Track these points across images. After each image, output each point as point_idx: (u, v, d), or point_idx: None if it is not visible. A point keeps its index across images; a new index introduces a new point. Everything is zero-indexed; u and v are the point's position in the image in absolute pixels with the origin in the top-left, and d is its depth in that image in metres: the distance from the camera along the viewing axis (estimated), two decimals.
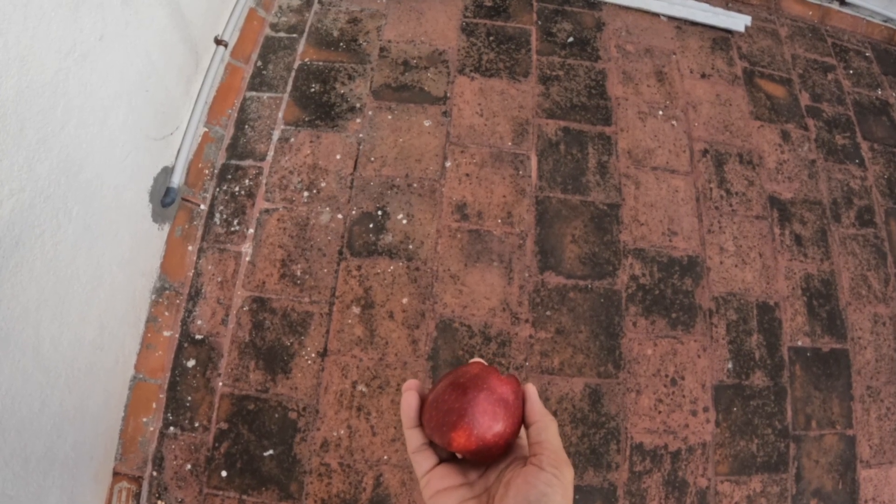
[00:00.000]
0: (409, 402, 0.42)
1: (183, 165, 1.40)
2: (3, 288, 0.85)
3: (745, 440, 1.35)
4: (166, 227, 1.39)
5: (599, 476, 1.27)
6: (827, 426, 1.39)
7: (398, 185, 1.51)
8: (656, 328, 1.41)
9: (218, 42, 1.55)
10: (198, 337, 1.34)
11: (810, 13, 2.06)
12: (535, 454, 0.38)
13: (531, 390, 0.42)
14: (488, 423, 0.39)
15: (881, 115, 1.86)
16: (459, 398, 0.40)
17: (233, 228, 1.45)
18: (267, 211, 1.47)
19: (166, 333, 1.34)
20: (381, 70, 1.68)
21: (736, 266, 1.51)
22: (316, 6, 1.80)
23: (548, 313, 1.40)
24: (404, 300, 1.38)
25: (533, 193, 1.53)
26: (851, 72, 1.94)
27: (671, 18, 1.92)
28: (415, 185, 1.51)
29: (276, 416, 1.27)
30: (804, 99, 1.83)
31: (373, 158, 1.54)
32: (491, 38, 1.77)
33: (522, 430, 0.42)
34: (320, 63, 1.68)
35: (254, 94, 1.63)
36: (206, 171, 1.50)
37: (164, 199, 1.34)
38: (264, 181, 1.50)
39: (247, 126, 1.58)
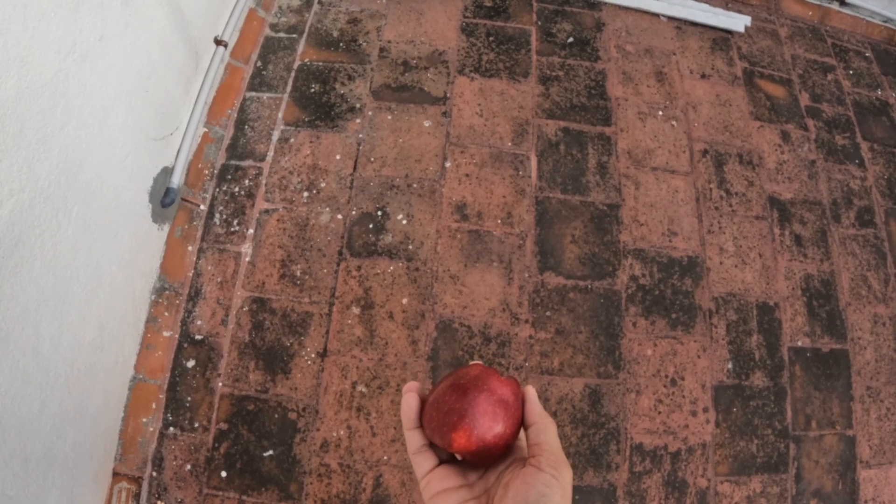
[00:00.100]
0: (409, 403, 0.42)
1: (183, 166, 1.40)
2: (3, 288, 0.85)
3: (745, 440, 1.35)
4: (166, 228, 1.39)
5: (599, 476, 1.27)
6: (827, 426, 1.40)
7: (398, 185, 1.51)
8: (656, 328, 1.41)
9: (218, 42, 1.55)
10: (197, 337, 1.34)
11: (810, 13, 2.06)
12: (534, 455, 0.39)
13: (531, 392, 0.42)
14: (488, 423, 0.39)
15: (881, 116, 1.86)
16: (460, 399, 0.40)
17: (232, 229, 1.45)
18: (267, 211, 1.47)
19: (166, 334, 1.34)
20: (380, 70, 1.68)
21: (736, 266, 1.51)
22: (316, 6, 1.80)
23: (548, 314, 1.40)
24: (404, 300, 1.38)
25: (533, 194, 1.53)
26: (851, 72, 1.94)
27: (671, 19, 1.92)
28: (415, 185, 1.51)
29: (276, 416, 1.27)
30: (804, 99, 1.83)
31: (373, 159, 1.54)
32: (491, 39, 1.77)
33: (522, 434, 0.43)
34: (320, 63, 1.68)
35: (253, 94, 1.63)
36: (206, 172, 1.50)
37: (164, 200, 1.34)
38: (264, 181, 1.50)
39: (246, 126, 1.58)
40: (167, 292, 1.37)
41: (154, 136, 1.30)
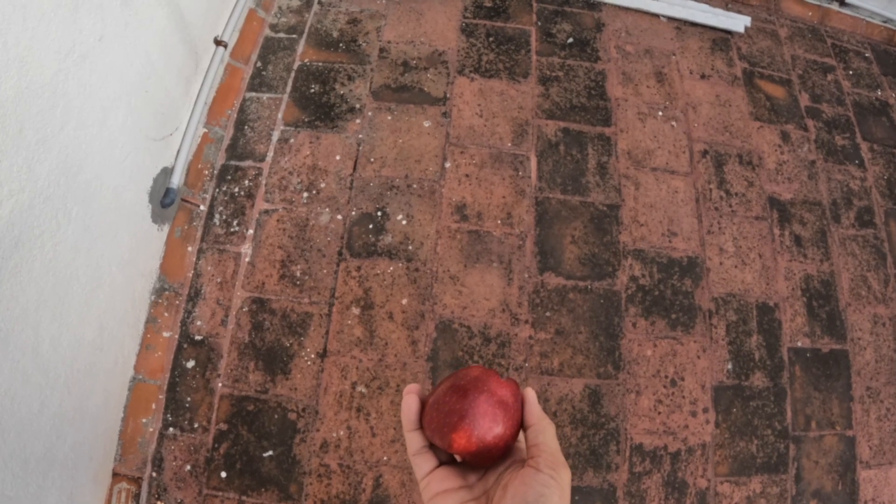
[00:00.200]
0: (409, 405, 0.43)
1: (182, 166, 1.40)
2: (3, 288, 0.85)
3: (745, 441, 1.35)
4: (166, 228, 1.39)
5: (599, 477, 1.27)
6: (827, 427, 1.40)
7: (398, 185, 1.51)
8: (656, 329, 1.41)
9: (217, 43, 1.55)
10: (197, 338, 1.34)
11: (810, 14, 2.06)
12: (533, 456, 0.39)
13: (530, 394, 0.42)
14: (488, 424, 0.39)
15: (881, 116, 1.86)
16: (460, 400, 0.40)
17: (232, 229, 1.45)
18: (266, 212, 1.47)
19: (166, 334, 1.34)
20: (380, 71, 1.68)
21: (736, 267, 1.51)
22: (315, 7, 1.80)
23: (547, 314, 1.40)
24: (404, 301, 1.38)
25: (532, 194, 1.53)
26: (851, 72, 1.94)
27: (671, 19, 1.92)
28: (414, 185, 1.51)
29: (276, 416, 1.27)
30: (804, 100, 1.83)
31: (372, 159, 1.54)
32: (490, 39, 1.77)
33: (521, 436, 0.43)
34: (320, 64, 1.68)
35: (253, 94, 1.63)
36: (206, 172, 1.50)
37: (164, 200, 1.34)
38: (264, 182, 1.50)
39: (246, 127, 1.58)
40: (167, 293, 1.36)
41: (154, 136, 1.30)
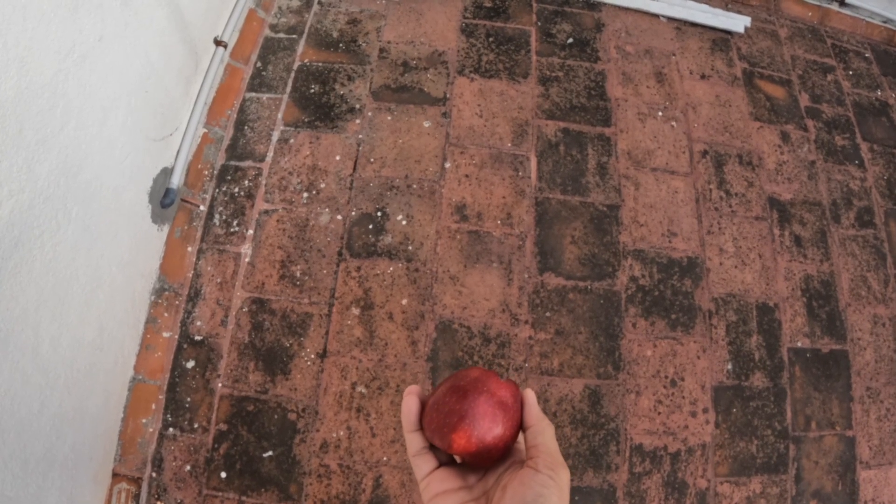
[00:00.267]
0: (409, 405, 0.43)
1: (182, 166, 1.40)
2: (3, 289, 0.85)
3: (745, 441, 1.35)
4: (165, 228, 1.39)
5: (599, 477, 1.27)
6: (826, 427, 1.40)
7: (398, 186, 1.51)
8: (656, 329, 1.41)
9: (217, 43, 1.55)
10: (197, 338, 1.34)
11: (810, 14, 2.06)
12: (532, 457, 0.39)
13: (529, 395, 0.42)
14: (488, 425, 0.39)
15: (881, 116, 1.86)
16: (460, 401, 0.40)
17: (232, 229, 1.45)
18: (266, 212, 1.47)
19: (165, 334, 1.34)
20: (380, 71, 1.68)
21: (735, 267, 1.51)
22: (315, 7, 1.80)
23: (547, 314, 1.40)
24: (404, 301, 1.38)
25: (532, 194, 1.53)
26: (851, 73, 1.94)
27: (671, 19, 1.92)
28: (414, 186, 1.51)
29: (276, 417, 1.27)
30: (804, 100, 1.83)
31: (372, 159, 1.54)
32: (490, 39, 1.77)
33: (521, 437, 0.43)
34: (320, 64, 1.68)
35: (253, 94, 1.63)
36: (206, 172, 1.50)
37: (164, 200, 1.34)
38: (264, 182, 1.50)
39: (246, 127, 1.58)
40: (167, 293, 1.36)
41: (154, 136, 1.30)
